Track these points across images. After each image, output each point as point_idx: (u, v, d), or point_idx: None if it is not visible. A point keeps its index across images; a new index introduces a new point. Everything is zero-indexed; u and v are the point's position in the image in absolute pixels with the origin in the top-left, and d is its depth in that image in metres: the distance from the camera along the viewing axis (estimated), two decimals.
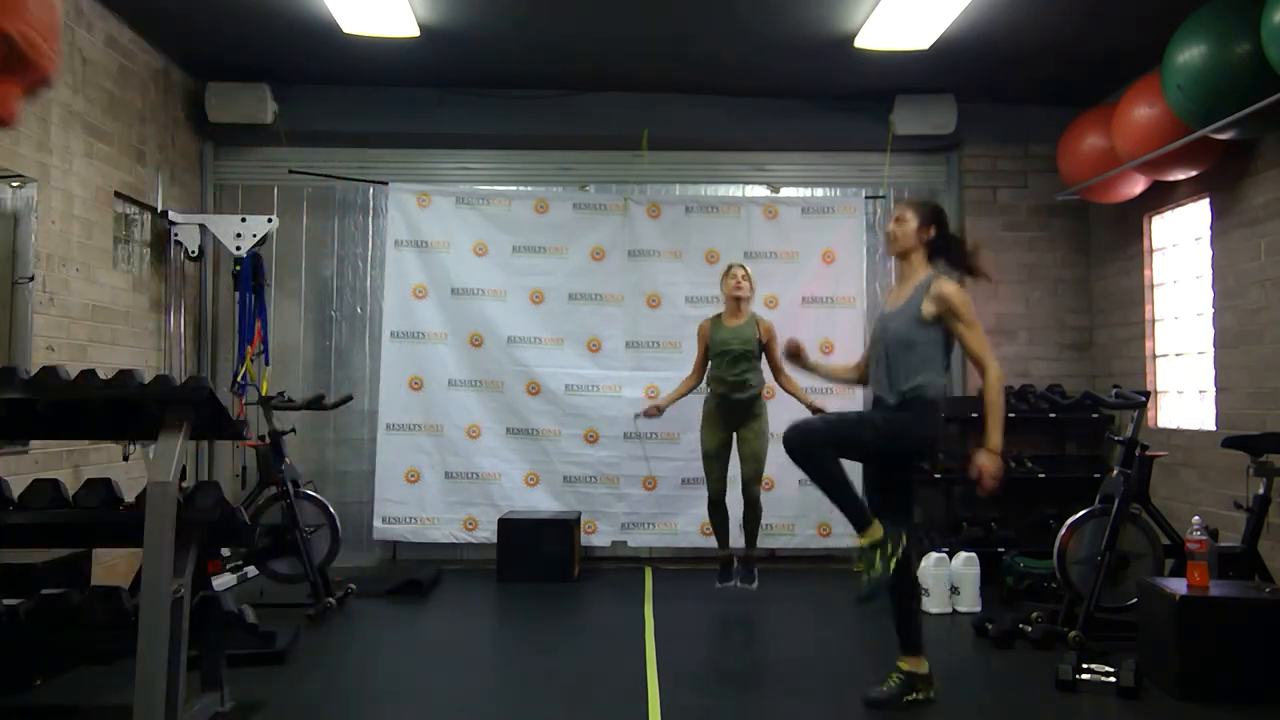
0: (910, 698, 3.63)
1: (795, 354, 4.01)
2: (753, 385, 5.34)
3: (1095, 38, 5.51)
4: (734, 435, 5.37)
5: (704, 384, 5.55)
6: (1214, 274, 5.44)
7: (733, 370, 5.31)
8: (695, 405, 5.69)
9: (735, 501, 5.47)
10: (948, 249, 3.76)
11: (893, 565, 3.60)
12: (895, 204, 3.82)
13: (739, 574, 5.46)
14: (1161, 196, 5.89)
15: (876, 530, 3.65)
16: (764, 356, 5.44)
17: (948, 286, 3.57)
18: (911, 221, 3.70)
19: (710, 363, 5.45)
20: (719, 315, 5.53)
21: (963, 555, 5.29)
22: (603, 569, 6.39)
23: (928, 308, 3.55)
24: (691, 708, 3.68)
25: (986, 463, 3.51)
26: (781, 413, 5.51)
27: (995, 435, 3.52)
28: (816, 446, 3.60)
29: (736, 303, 5.42)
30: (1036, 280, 6.76)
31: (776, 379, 5.47)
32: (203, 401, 3.07)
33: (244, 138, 6.54)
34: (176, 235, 6.01)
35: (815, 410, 5.34)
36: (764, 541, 5.67)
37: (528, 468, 6.53)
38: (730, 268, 5.51)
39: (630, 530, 6.54)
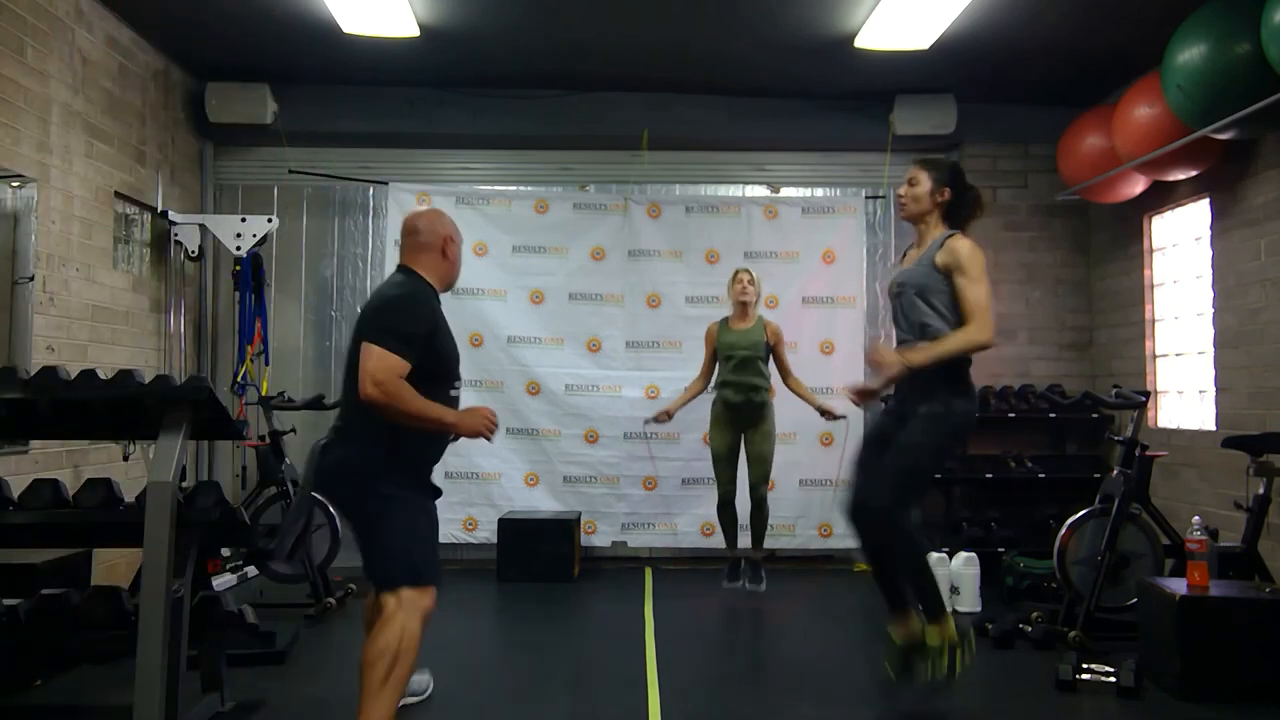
0: (957, 669, 3.40)
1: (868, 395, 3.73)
2: (760, 388, 5.36)
3: (1095, 38, 5.51)
4: (742, 438, 5.39)
5: (711, 387, 5.56)
6: (1214, 274, 5.44)
7: (740, 374, 5.34)
8: (695, 406, 5.70)
9: (741, 503, 5.48)
10: (968, 211, 3.55)
11: (958, 670, 3.35)
12: (911, 164, 3.65)
13: (746, 575, 5.48)
14: (1161, 196, 5.89)
15: (951, 627, 3.40)
16: (771, 359, 5.45)
17: (961, 241, 3.43)
18: (924, 183, 3.53)
19: (717, 366, 5.47)
20: (726, 319, 5.55)
21: (963, 555, 5.29)
22: (603, 569, 6.39)
23: (940, 258, 3.42)
24: (692, 708, 3.68)
25: (889, 355, 3.36)
26: (784, 410, 5.54)
27: (919, 355, 3.33)
28: (887, 509, 3.35)
29: (743, 306, 5.45)
30: (1036, 280, 6.76)
31: (784, 381, 5.50)
32: (203, 401, 3.07)
33: (244, 138, 6.54)
34: (176, 235, 6.01)
35: (824, 412, 5.34)
36: (765, 542, 5.67)
37: (528, 468, 6.54)
38: (737, 272, 5.54)
39: (630, 530, 6.55)
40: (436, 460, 3.12)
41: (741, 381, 5.33)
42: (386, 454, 2.94)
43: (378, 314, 2.97)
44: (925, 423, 3.39)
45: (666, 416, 5.56)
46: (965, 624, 3.58)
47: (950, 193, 3.54)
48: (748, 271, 5.53)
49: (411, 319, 2.94)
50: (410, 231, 3.16)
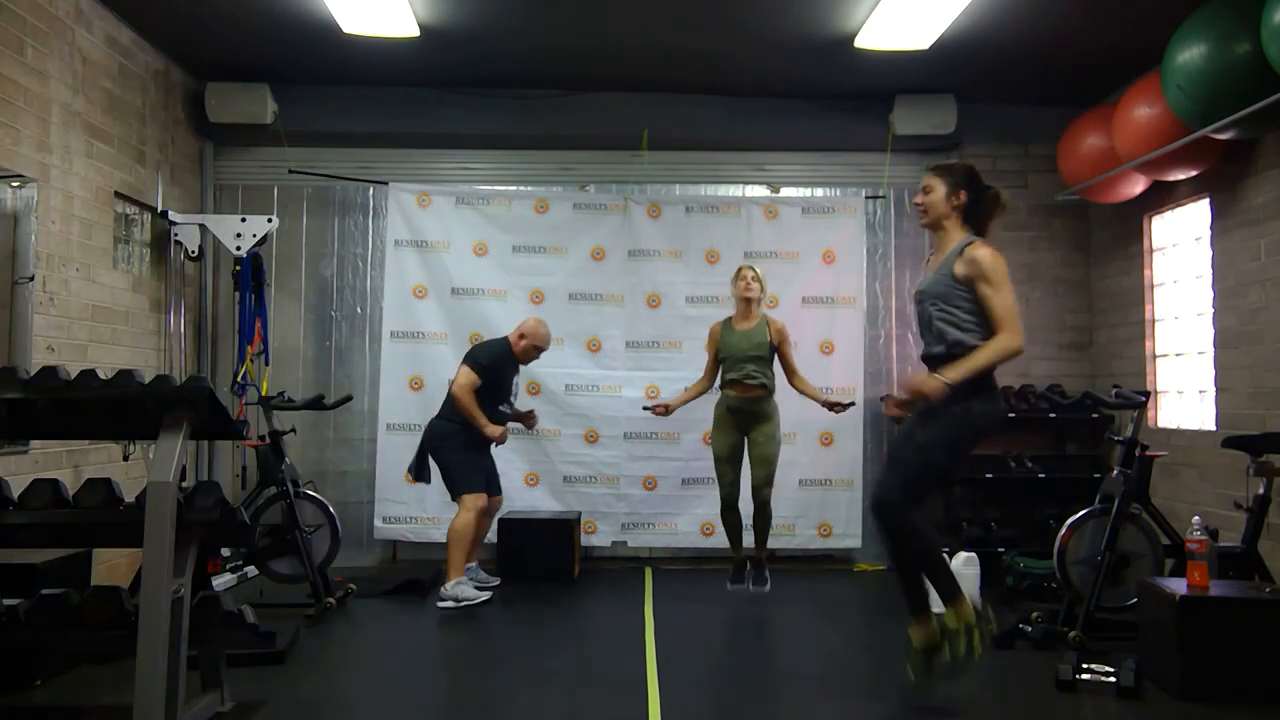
0: (977, 649, 3.42)
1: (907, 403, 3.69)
2: (764, 388, 5.30)
3: (1095, 38, 5.51)
4: (745, 439, 5.35)
5: (715, 387, 5.51)
6: (1214, 274, 5.44)
7: (744, 374, 5.27)
8: (696, 406, 5.69)
9: (744, 503, 5.45)
10: (985, 210, 3.58)
11: (977, 650, 3.39)
12: (924, 171, 3.64)
13: (751, 576, 5.44)
14: (1161, 196, 5.89)
15: (968, 608, 3.44)
16: (776, 358, 5.40)
17: (981, 250, 3.44)
18: (939, 189, 3.55)
19: (721, 366, 5.42)
20: (729, 318, 5.48)
21: (963, 555, 5.26)
22: (603, 569, 6.39)
23: (959, 269, 3.44)
24: (692, 707, 3.68)
25: (929, 381, 3.35)
26: (785, 410, 5.52)
27: (955, 372, 3.34)
28: (904, 506, 3.45)
29: (747, 304, 5.37)
30: (1036, 280, 6.76)
31: (790, 380, 5.41)
32: (203, 401, 3.07)
33: (244, 138, 6.54)
34: (176, 235, 6.01)
35: (831, 406, 5.31)
36: (768, 543, 5.62)
37: (528, 468, 6.53)
38: (740, 269, 5.47)
39: (630, 530, 6.55)
40: (487, 443, 5.51)
41: (745, 382, 5.28)
42: (458, 427, 5.40)
43: (472, 350, 5.66)
44: (942, 420, 3.42)
45: (665, 409, 5.52)
46: (980, 603, 3.61)
47: (966, 195, 3.57)
48: (751, 268, 5.47)
49: (485, 357, 5.49)
50: (521, 325, 5.65)
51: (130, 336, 5.57)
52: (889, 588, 5.93)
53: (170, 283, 6.07)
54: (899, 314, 6.84)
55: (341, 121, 6.56)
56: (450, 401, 5.45)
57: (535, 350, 5.58)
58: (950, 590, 3.51)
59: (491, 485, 5.57)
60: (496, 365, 5.45)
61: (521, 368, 5.71)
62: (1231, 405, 5.23)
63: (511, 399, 5.67)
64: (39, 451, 4.59)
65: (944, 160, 3.54)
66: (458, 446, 5.38)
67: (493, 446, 5.57)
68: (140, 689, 2.88)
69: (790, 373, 5.42)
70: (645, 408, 5.68)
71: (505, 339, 5.60)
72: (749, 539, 5.53)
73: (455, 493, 5.35)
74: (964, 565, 5.22)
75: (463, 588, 5.27)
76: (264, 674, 3.91)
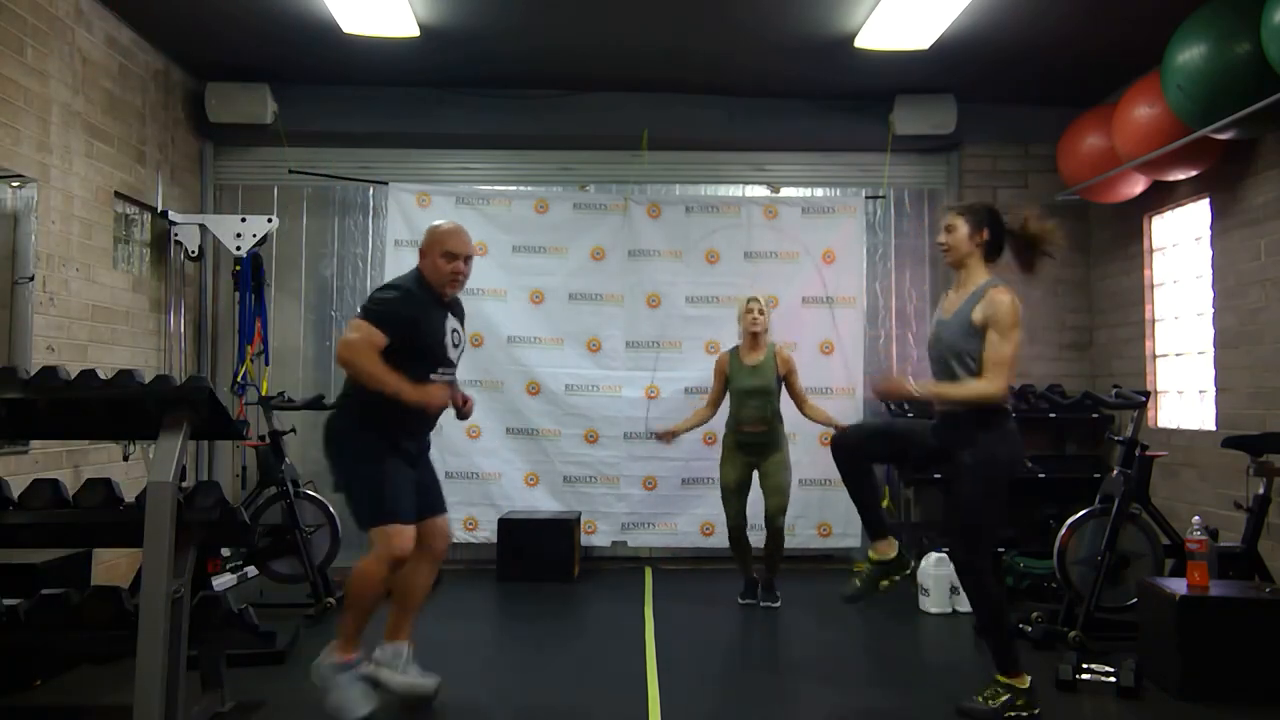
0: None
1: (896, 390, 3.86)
2: (772, 421, 5.24)
3: (1095, 38, 5.50)
4: (755, 470, 5.27)
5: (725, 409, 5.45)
6: (1214, 274, 5.44)
7: (752, 409, 5.19)
8: (696, 406, 5.68)
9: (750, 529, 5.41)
10: (1008, 247, 3.65)
11: (884, 588, 3.73)
12: (946, 212, 3.76)
13: (762, 595, 5.40)
14: (1161, 196, 5.89)
15: (890, 548, 3.70)
16: (785, 389, 5.34)
17: (1001, 295, 3.47)
18: (962, 229, 3.59)
19: (729, 399, 5.33)
20: (736, 349, 5.37)
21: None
22: (603, 569, 6.39)
23: (978, 314, 3.47)
24: (692, 707, 3.68)
25: (902, 383, 3.69)
26: (785, 409, 5.51)
27: (935, 388, 3.55)
28: (864, 440, 3.82)
29: (754, 337, 5.28)
30: (1036, 280, 6.70)
31: (800, 410, 5.32)
32: (203, 401, 3.07)
33: (244, 138, 6.54)
34: (176, 235, 6.01)
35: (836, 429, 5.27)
36: (779, 567, 5.52)
37: (528, 468, 6.53)
38: (747, 302, 5.32)
39: (630, 530, 6.54)
40: (415, 433, 3.59)
41: (754, 417, 5.20)
42: (359, 420, 3.48)
43: (370, 295, 3.68)
44: (972, 474, 3.46)
45: (670, 436, 5.49)
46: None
47: (989, 233, 3.60)
48: (757, 301, 5.32)
49: (386, 300, 3.51)
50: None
51: (130, 336, 5.57)
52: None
53: (170, 283, 6.07)
54: (899, 314, 6.85)
55: (341, 121, 6.56)
56: (346, 385, 3.58)
57: (450, 260, 3.58)
58: (1010, 660, 3.50)
59: (427, 505, 3.61)
60: (408, 310, 3.47)
61: (462, 312, 3.81)
62: (1231, 405, 5.23)
63: (449, 360, 3.65)
64: (39, 451, 4.59)
65: (966, 203, 3.61)
66: (366, 451, 3.44)
67: (430, 434, 3.72)
68: (140, 689, 2.88)
69: (800, 403, 5.31)
70: (653, 434, 5.68)
71: (414, 269, 3.68)
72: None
73: (363, 523, 3.45)
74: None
75: (344, 683, 3.38)
76: (264, 674, 3.91)
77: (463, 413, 3.86)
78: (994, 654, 3.53)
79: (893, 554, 3.72)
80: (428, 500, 3.62)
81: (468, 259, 3.65)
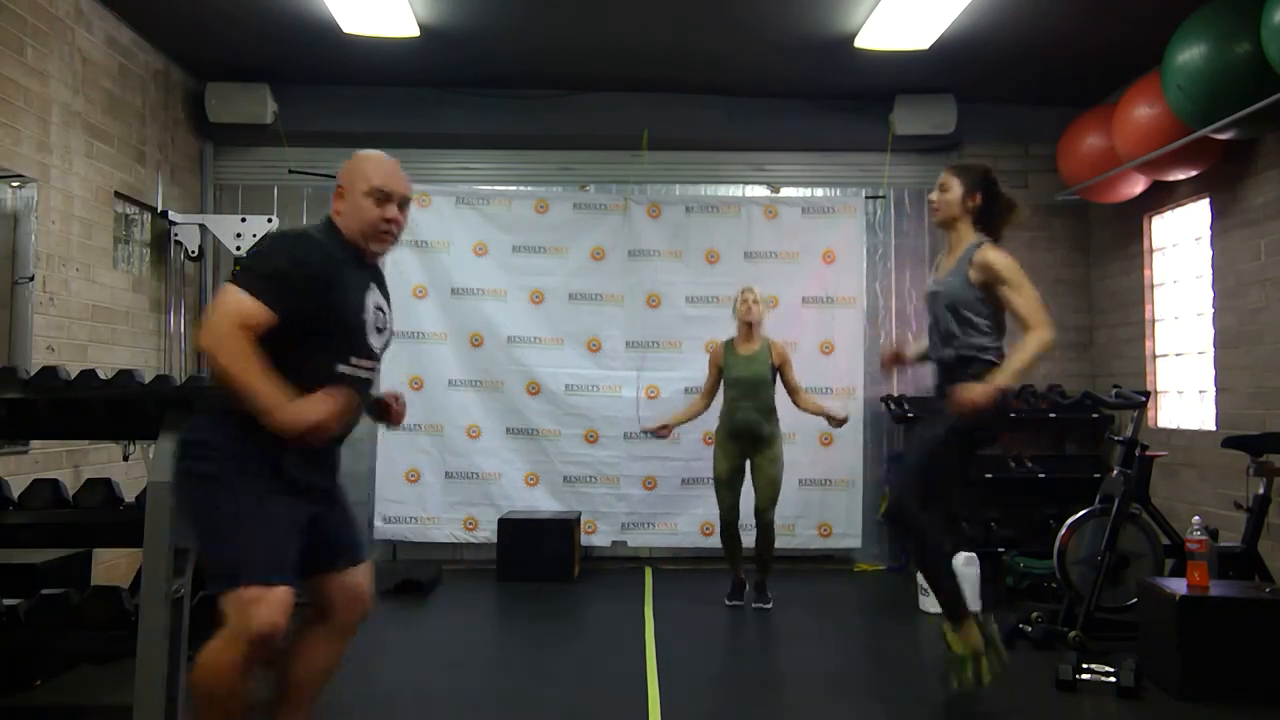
0: (985, 679, 3.42)
1: (896, 359, 3.91)
2: (766, 412, 5.23)
3: (1095, 38, 5.51)
4: (747, 462, 5.27)
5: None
6: (1214, 274, 5.44)
7: (746, 400, 5.19)
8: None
9: (741, 524, 5.39)
10: (1000, 216, 3.58)
11: (986, 680, 3.42)
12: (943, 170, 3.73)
13: (751, 596, 5.39)
14: (1161, 196, 5.89)
15: (974, 634, 3.42)
16: (779, 381, 5.34)
17: (991, 253, 3.45)
18: (955, 189, 3.55)
19: (722, 390, 5.33)
20: (731, 340, 5.36)
21: (963, 555, 5.27)
22: (603, 569, 6.38)
23: (974, 275, 3.45)
24: (692, 707, 3.68)
25: (978, 390, 3.30)
26: (784, 412, 5.52)
27: (1006, 376, 3.35)
28: (913, 510, 3.42)
29: (748, 328, 5.27)
30: (1036, 280, 6.53)
31: (794, 401, 5.31)
32: (202, 401, 3.07)
33: (244, 138, 6.54)
34: (176, 235, 6.01)
35: (833, 419, 5.27)
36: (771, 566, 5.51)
37: (528, 468, 6.53)
38: (742, 291, 5.31)
39: (630, 530, 6.54)
40: (310, 454, 2.45)
41: (747, 407, 5.20)
42: (230, 431, 2.37)
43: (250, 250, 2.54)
44: (936, 417, 3.47)
45: (666, 431, 5.48)
46: (992, 629, 3.56)
47: (981, 198, 3.56)
48: (752, 291, 5.31)
49: (274, 253, 2.42)
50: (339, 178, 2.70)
51: (130, 336, 5.57)
52: (889, 588, 5.98)
53: (170, 283, 6.07)
54: (899, 314, 6.84)
55: (341, 121, 6.56)
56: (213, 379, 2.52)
57: (382, 202, 2.62)
58: (956, 610, 3.46)
59: (329, 555, 2.59)
60: (312, 267, 2.42)
61: (386, 287, 2.74)
62: (1231, 405, 5.23)
63: (370, 350, 2.57)
64: (39, 451, 4.59)
65: (964, 161, 3.54)
66: (225, 476, 2.37)
67: (328, 461, 2.63)
68: (140, 689, 2.88)
69: (794, 394, 5.31)
70: (647, 430, 5.65)
71: (325, 219, 2.66)
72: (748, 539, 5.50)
73: (222, 582, 2.34)
74: (964, 565, 5.23)
75: None
76: (264, 674, 3.90)
77: (392, 419, 2.85)
78: (941, 605, 3.51)
79: (980, 642, 3.43)
80: (331, 549, 2.56)
81: (404, 203, 2.64)
